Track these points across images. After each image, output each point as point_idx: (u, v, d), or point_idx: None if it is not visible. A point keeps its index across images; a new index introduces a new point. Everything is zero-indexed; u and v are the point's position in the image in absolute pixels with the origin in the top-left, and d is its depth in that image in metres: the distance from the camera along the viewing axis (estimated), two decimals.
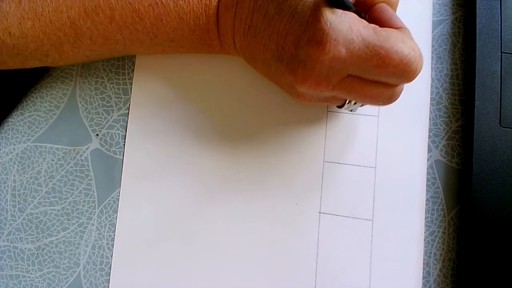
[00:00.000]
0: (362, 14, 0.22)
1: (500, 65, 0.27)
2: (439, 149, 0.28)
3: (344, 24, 0.20)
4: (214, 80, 0.30)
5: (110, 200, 0.30)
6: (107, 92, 0.31)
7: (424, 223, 0.27)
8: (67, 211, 0.30)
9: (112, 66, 0.31)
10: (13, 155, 0.31)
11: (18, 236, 0.30)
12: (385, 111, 0.29)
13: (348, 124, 0.29)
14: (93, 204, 0.30)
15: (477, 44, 0.27)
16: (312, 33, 0.21)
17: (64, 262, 0.30)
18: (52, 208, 0.30)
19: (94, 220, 0.30)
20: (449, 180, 0.28)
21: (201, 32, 0.26)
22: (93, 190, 0.30)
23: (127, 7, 0.24)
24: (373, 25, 0.21)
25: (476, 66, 0.27)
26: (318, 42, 0.20)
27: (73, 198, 0.30)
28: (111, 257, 0.29)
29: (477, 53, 0.27)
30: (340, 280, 0.27)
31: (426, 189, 0.28)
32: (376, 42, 0.20)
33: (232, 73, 0.30)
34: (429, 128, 0.29)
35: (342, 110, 0.27)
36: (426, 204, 0.28)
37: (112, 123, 0.31)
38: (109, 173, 0.30)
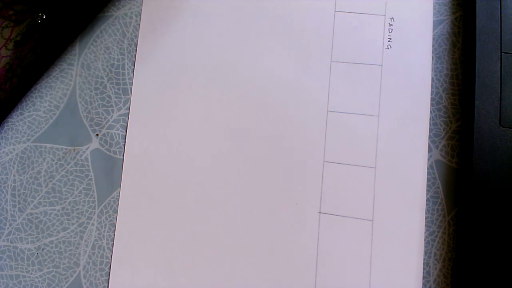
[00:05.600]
0: None
1: (500, 65, 0.27)
2: (439, 149, 0.28)
3: None
4: (214, 80, 0.30)
5: (110, 200, 0.30)
6: (107, 92, 0.31)
7: (424, 223, 0.27)
8: (67, 211, 0.30)
9: (112, 66, 0.31)
10: (13, 155, 0.31)
11: (18, 236, 0.30)
12: (385, 111, 0.29)
13: (348, 124, 0.29)
14: (93, 204, 0.30)
15: (477, 44, 0.27)
16: None
17: (64, 262, 0.30)
18: (52, 208, 0.30)
19: (94, 220, 0.30)
20: (449, 180, 0.28)
21: None
22: (93, 190, 0.30)
23: None
24: None
25: (476, 66, 0.27)
26: None
27: (73, 198, 0.30)
28: (111, 257, 0.29)
29: (477, 53, 0.27)
30: (340, 280, 0.27)
31: (426, 189, 0.28)
32: None
33: (231, 74, 0.30)
34: (429, 128, 0.29)
35: None
36: (426, 204, 0.28)
37: (112, 123, 0.31)
38: (109, 173, 0.30)
